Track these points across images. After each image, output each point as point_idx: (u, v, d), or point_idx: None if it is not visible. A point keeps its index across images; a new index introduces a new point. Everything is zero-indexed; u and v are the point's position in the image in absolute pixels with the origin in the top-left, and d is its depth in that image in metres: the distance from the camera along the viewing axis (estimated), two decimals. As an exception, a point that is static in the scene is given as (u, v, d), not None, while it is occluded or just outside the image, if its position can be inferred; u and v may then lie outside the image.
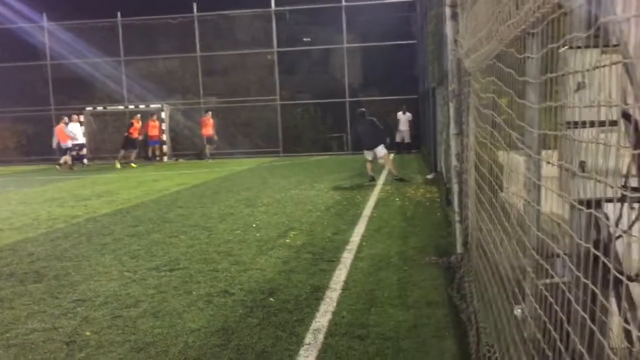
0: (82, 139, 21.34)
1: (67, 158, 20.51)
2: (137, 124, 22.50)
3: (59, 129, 20.80)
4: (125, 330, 4.18)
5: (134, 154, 21.39)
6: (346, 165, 17.60)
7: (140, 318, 4.42)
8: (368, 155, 12.95)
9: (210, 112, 22.96)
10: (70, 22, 24.23)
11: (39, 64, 25.04)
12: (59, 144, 20.82)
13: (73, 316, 4.52)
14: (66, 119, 20.96)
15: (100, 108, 24.16)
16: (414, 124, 22.16)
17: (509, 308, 2.56)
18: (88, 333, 4.15)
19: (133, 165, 20.40)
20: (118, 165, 19.62)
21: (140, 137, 22.21)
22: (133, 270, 5.88)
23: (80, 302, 4.86)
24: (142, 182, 15.12)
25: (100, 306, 4.75)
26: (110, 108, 24.49)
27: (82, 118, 21.82)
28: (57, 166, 20.44)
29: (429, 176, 13.17)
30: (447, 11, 5.44)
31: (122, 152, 20.81)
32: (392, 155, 14.21)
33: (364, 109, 13.69)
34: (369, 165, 13.04)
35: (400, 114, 22.32)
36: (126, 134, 21.09)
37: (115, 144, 23.57)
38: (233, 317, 4.37)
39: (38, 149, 24.66)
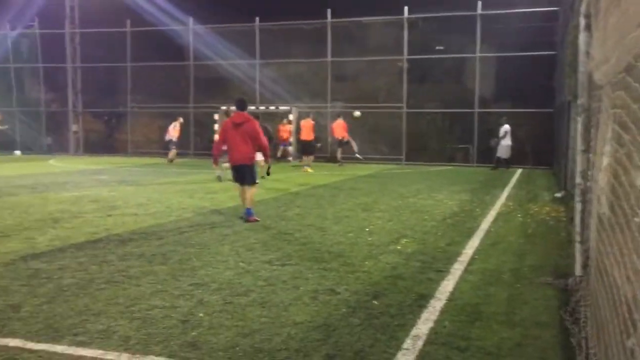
0: None
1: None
2: (284, 127, 23.50)
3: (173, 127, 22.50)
4: (234, 315, 4.43)
5: (310, 158, 20.33)
6: (469, 177, 17.17)
7: (249, 306, 4.66)
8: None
9: (341, 116, 22.29)
10: (213, 25, 25.75)
11: (183, 64, 26.89)
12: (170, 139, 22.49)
13: (190, 298, 4.87)
14: (180, 119, 22.52)
15: (233, 108, 25.31)
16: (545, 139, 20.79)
17: (622, 339, 2.42)
18: (202, 314, 4.45)
19: (309, 170, 19.11)
20: (310, 170, 18.84)
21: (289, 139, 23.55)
22: (248, 261, 6.19)
23: (198, 286, 5.22)
24: (266, 180, 15.73)
25: (215, 291, 5.07)
26: (241, 108, 25.63)
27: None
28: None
29: (558, 194, 12.49)
30: (582, 21, 5.18)
31: (305, 158, 20.16)
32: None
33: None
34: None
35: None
36: (303, 139, 20.60)
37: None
38: (336, 315, 4.48)
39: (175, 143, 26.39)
